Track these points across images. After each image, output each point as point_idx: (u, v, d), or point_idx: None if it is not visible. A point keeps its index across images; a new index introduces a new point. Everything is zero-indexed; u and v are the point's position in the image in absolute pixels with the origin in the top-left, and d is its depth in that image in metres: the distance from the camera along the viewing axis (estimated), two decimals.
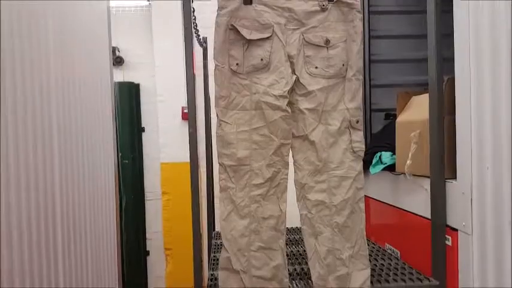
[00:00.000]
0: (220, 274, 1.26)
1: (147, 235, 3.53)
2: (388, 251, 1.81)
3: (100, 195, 2.00)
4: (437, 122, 1.35)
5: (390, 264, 1.56)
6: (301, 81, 1.25)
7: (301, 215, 1.30)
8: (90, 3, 1.94)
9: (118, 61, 3.34)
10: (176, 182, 3.34)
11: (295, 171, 1.31)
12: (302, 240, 1.38)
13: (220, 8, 1.24)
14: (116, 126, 2.39)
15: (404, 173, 1.57)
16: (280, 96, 1.23)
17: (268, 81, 1.23)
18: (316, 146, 1.28)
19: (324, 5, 1.25)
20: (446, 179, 1.37)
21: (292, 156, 1.31)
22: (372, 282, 1.32)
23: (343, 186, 1.29)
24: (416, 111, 1.63)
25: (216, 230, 2.32)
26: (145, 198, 3.53)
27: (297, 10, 1.24)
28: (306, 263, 1.39)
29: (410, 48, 2.32)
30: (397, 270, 1.49)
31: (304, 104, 1.26)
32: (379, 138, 2.01)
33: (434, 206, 1.39)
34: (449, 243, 1.36)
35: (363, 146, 1.32)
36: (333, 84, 1.27)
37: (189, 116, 1.35)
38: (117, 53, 3.35)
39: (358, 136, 1.31)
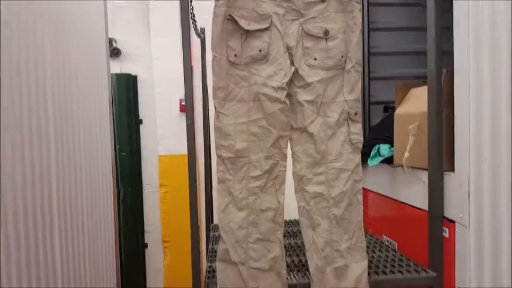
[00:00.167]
0: (218, 266, 1.26)
1: (146, 227, 3.54)
2: (386, 243, 1.82)
3: (97, 188, 1.99)
4: (435, 115, 1.35)
5: (387, 256, 1.57)
6: (300, 73, 1.24)
7: (299, 207, 1.31)
8: None
9: (115, 52, 3.31)
10: (174, 175, 3.34)
11: (293, 164, 1.31)
12: (300, 232, 1.39)
13: None
14: (113, 118, 2.37)
15: (402, 166, 1.57)
16: (279, 87, 1.22)
17: (267, 72, 1.22)
18: (314, 138, 1.27)
19: None
20: (444, 171, 1.37)
21: (291, 148, 1.31)
22: (369, 273, 1.33)
23: (341, 178, 1.29)
24: (415, 103, 1.63)
25: (214, 222, 2.33)
26: (143, 190, 3.53)
27: (296, 0, 1.23)
28: (304, 255, 1.39)
29: (409, 41, 2.31)
30: (395, 261, 1.50)
31: (302, 96, 1.25)
32: (378, 130, 2.01)
33: (431, 198, 1.39)
34: (446, 235, 1.36)
35: (361, 138, 1.32)
36: (332, 76, 1.26)
37: (186, 107, 1.35)
38: (114, 44, 3.31)
39: (357, 128, 1.30)
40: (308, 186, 1.29)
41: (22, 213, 1.20)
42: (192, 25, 1.67)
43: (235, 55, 1.22)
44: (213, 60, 1.25)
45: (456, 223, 1.32)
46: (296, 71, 1.24)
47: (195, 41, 2.29)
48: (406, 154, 1.53)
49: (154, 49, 3.34)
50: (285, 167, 1.29)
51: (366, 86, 2.25)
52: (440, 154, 1.36)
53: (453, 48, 1.32)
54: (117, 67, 3.38)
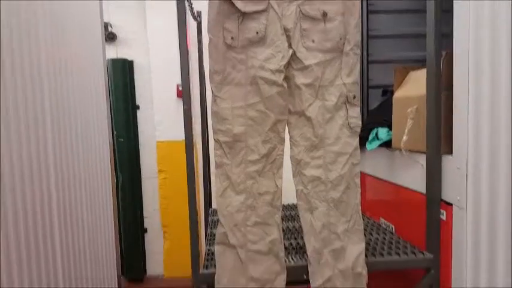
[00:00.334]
0: (217, 249, 1.27)
1: (145, 213, 3.55)
2: (383, 225, 1.84)
3: (96, 174, 1.99)
4: (434, 97, 1.34)
5: (385, 239, 1.59)
6: (297, 56, 1.23)
7: (297, 190, 1.31)
8: None
9: (111, 37, 3.26)
10: (172, 160, 3.33)
11: (291, 147, 1.31)
12: (298, 216, 1.39)
13: None
14: (110, 104, 2.35)
15: (401, 149, 1.57)
16: (277, 70, 1.21)
17: (264, 55, 1.21)
18: (312, 121, 1.27)
19: None
20: (442, 154, 1.37)
21: (288, 132, 1.30)
22: (366, 255, 1.34)
23: (339, 161, 1.29)
24: (414, 86, 1.61)
25: (213, 207, 2.34)
26: (141, 176, 3.53)
27: None
28: (302, 238, 1.40)
29: (409, 24, 2.27)
30: (392, 244, 1.51)
31: (300, 79, 1.24)
32: (376, 114, 2.00)
33: (429, 181, 1.40)
34: (443, 217, 1.37)
35: (360, 122, 1.31)
36: (330, 58, 1.25)
37: (183, 92, 1.33)
38: (109, 28, 3.26)
39: (355, 112, 1.30)
40: (306, 170, 1.29)
41: (20, 203, 1.19)
42: (188, 8, 1.64)
43: (231, 38, 1.20)
44: (209, 43, 1.23)
45: (453, 205, 1.33)
46: (294, 53, 1.23)
47: (192, 25, 2.26)
48: (404, 137, 1.53)
49: (151, 33, 3.28)
50: (283, 150, 1.29)
51: (364, 69, 2.23)
52: (439, 137, 1.35)
53: (452, 31, 1.30)
54: (113, 52, 3.33)
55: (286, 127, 1.30)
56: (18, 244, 1.17)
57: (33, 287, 1.25)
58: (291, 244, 1.53)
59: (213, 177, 1.56)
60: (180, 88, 2.28)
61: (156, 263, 3.56)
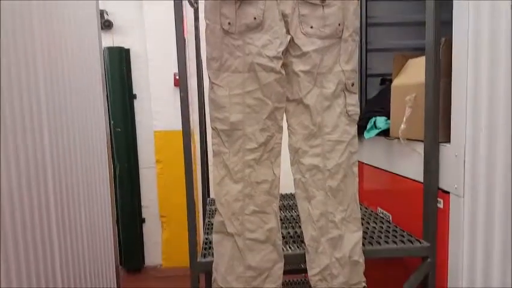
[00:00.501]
0: (215, 237, 1.27)
1: (143, 203, 3.55)
2: (380, 214, 1.84)
3: (93, 165, 1.98)
4: (433, 85, 1.33)
5: (382, 227, 1.59)
6: (295, 42, 1.21)
7: (294, 179, 1.30)
8: None
9: (107, 25, 3.22)
10: (170, 150, 3.33)
11: (289, 136, 1.30)
12: (295, 205, 1.39)
13: None
14: (106, 93, 2.33)
15: (399, 138, 1.56)
16: (274, 57, 1.19)
17: (262, 41, 1.19)
18: (310, 109, 1.26)
19: None
20: (440, 142, 1.36)
21: (286, 121, 1.29)
22: (363, 244, 1.35)
23: (337, 150, 1.28)
24: (412, 74, 1.60)
25: (211, 196, 2.34)
26: (139, 166, 3.52)
27: None
28: (299, 227, 1.40)
29: (409, 11, 2.24)
30: (389, 232, 1.52)
31: (298, 66, 1.23)
32: (374, 103, 1.99)
33: (427, 169, 1.39)
34: (440, 205, 1.37)
35: (358, 110, 1.30)
36: (329, 45, 1.23)
37: (179, 79, 1.31)
38: (105, 16, 3.22)
39: (353, 99, 1.29)
40: (304, 159, 1.28)
41: (16, 195, 1.18)
42: None
43: (229, 23, 1.18)
44: (206, 29, 1.21)
45: (451, 194, 1.33)
46: (292, 39, 1.21)
47: (189, 12, 2.23)
48: (403, 126, 1.53)
49: (148, 21, 3.25)
50: (281, 139, 1.28)
51: (363, 58, 2.21)
52: (437, 125, 1.35)
53: (452, 18, 1.28)
54: (109, 40, 3.29)
55: (284, 115, 1.29)
56: (14, 233, 1.17)
57: (30, 274, 1.25)
58: (288, 233, 1.53)
59: (211, 167, 1.55)
60: (177, 77, 2.27)
61: (154, 253, 3.57)
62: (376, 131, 1.78)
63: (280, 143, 1.28)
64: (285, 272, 1.29)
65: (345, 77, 1.26)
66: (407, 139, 1.55)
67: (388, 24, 2.29)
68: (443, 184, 1.36)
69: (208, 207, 2.04)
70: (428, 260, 1.37)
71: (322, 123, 1.27)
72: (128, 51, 3.35)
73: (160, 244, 3.54)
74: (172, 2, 1.22)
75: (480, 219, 1.19)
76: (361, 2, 2.18)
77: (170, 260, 3.51)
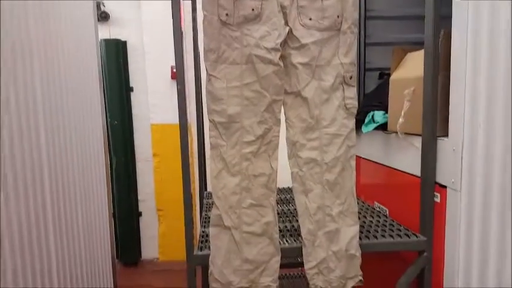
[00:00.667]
0: (211, 230, 1.26)
1: (140, 196, 3.55)
2: (377, 209, 1.84)
3: (90, 158, 1.97)
4: (431, 78, 1.32)
5: (379, 221, 1.59)
6: (294, 34, 1.20)
7: (292, 172, 1.30)
8: None
9: (103, 16, 3.19)
10: (167, 144, 3.31)
11: (286, 129, 1.29)
12: (292, 199, 1.39)
13: None
14: (103, 86, 2.31)
15: (396, 132, 1.56)
16: (272, 49, 1.18)
17: (260, 33, 1.18)
18: (308, 102, 1.25)
19: None
20: (438, 136, 1.36)
21: (284, 113, 1.28)
22: (360, 237, 1.35)
23: (334, 143, 1.27)
24: (411, 68, 1.59)
25: (208, 190, 2.33)
26: (135, 160, 3.51)
27: None
28: (297, 221, 1.40)
29: (408, 4, 2.23)
30: (386, 226, 1.52)
31: (297, 58, 1.22)
32: (372, 97, 1.98)
33: (424, 163, 1.39)
34: (437, 200, 1.37)
35: (356, 103, 1.30)
36: (328, 37, 1.22)
37: (177, 72, 1.30)
38: (101, 7, 3.18)
39: (352, 92, 1.28)
40: (301, 152, 1.28)
41: (11, 188, 1.17)
42: None
43: (227, 14, 1.17)
44: (203, 20, 1.20)
45: (448, 188, 1.33)
46: (290, 31, 1.20)
47: (187, 4, 2.20)
48: (401, 120, 1.52)
49: (145, 13, 3.21)
50: (279, 132, 1.27)
51: (361, 51, 2.20)
52: (435, 118, 1.34)
53: (451, 12, 1.27)
54: (106, 32, 3.26)
55: (282, 108, 1.28)
56: (10, 225, 1.16)
57: (26, 269, 1.24)
58: (285, 227, 1.53)
59: (208, 160, 1.55)
60: (175, 70, 2.25)
61: (151, 247, 3.57)
62: (374, 125, 1.78)
63: (278, 136, 1.28)
64: (282, 266, 1.29)
65: (344, 69, 1.25)
66: (405, 133, 1.54)
67: (387, 17, 2.28)
68: (441, 178, 1.36)
69: (205, 201, 2.03)
70: (425, 254, 1.37)
71: (320, 117, 1.26)
72: (124, 43, 3.32)
73: (157, 238, 3.53)
74: None
75: (477, 214, 1.19)
76: None
77: (167, 253, 3.51)
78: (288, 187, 2.17)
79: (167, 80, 3.28)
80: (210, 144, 1.26)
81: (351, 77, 1.26)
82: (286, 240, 1.38)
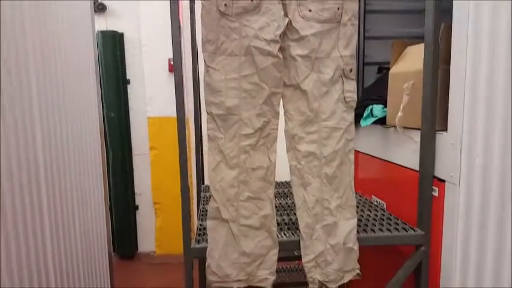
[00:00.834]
0: (209, 223, 1.26)
1: (136, 190, 3.53)
2: (375, 203, 1.84)
3: (86, 151, 1.95)
4: (431, 72, 1.31)
5: (376, 215, 1.59)
6: (293, 25, 1.19)
7: (290, 165, 1.29)
8: None
9: (100, 8, 3.15)
10: (164, 137, 3.30)
11: (285, 122, 1.28)
12: (291, 193, 1.38)
13: None
14: (100, 78, 2.29)
15: (395, 126, 1.55)
16: (272, 40, 1.17)
17: (259, 24, 1.16)
18: (307, 95, 1.24)
19: None
20: (437, 130, 1.36)
21: (283, 106, 1.27)
22: (358, 231, 1.35)
23: (333, 137, 1.27)
24: (411, 61, 1.58)
25: (206, 183, 2.33)
26: (132, 153, 3.49)
27: None
28: (294, 214, 1.40)
29: None
30: (383, 220, 1.52)
31: (296, 50, 1.20)
32: (371, 91, 1.97)
33: (423, 157, 1.39)
34: (435, 194, 1.37)
35: (355, 96, 1.29)
36: (327, 29, 1.21)
37: (174, 64, 1.28)
38: None
39: (351, 86, 1.27)
40: (300, 145, 1.27)
41: (7, 183, 1.16)
42: None
43: (225, 5, 1.15)
44: (202, 10, 1.18)
45: (446, 182, 1.33)
46: (290, 22, 1.18)
47: None
48: (400, 114, 1.51)
49: (142, 4, 3.17)
50: (277, 125, 1.26)
51: (360, 45, 2.18)
52: (434, 112, 1.34)
53: (452, 6, 1.26)
54: (103, 24, 3.22)
55: (281, 101, 1.27)
56: (5, 223, 1.15)
57: (21, 265, 1.23)
58: (283, 220, 1.53)
59: (205, 153, 1.53)
60: (172, 62, 2.22)
61: (147, 240, 3.57)
62: (373, 119, 1.77)
63: (277, 129, 1.27)
64: (280, 259, 1.29)
65: (343, 62, 1.23)
66: (404, 127, 1.54)
67: (387, 11, 2.26)
68: (439, 172, 1.36)
69: (202, 194, 2.03)
70: (422, 248, 1.38)
71: (319, 109, 1.25)
72: (121, 35, 3.29)
73: (154, 231, 3.53)
74: None
75: (475, 208, 1.19)
76: None
77: (163, 247, 3.51)
78: (286, 181, 2.17)
79: (164, 72, 3.25)
80: (208, 136, 1.25)
81: (350, 70, 1.25)
82: (284, 234, 1.37)
